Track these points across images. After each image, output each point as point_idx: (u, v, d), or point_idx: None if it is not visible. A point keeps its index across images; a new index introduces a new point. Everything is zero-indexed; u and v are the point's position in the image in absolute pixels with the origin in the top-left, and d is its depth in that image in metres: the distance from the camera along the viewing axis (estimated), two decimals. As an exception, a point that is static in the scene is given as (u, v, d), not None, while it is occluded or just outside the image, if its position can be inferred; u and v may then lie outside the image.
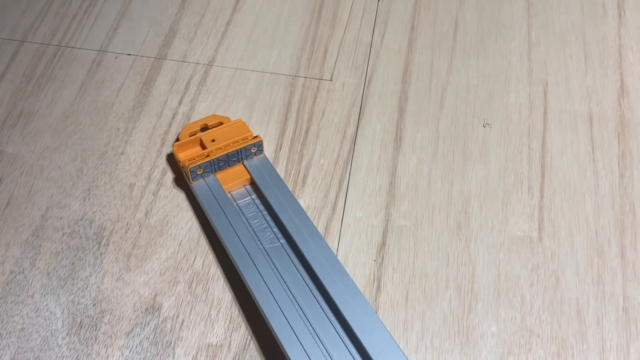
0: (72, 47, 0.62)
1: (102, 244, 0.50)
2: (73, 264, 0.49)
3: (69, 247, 0.50)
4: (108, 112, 0.57)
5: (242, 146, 0.51)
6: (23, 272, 0.49)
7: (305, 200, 0.52)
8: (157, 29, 0.63)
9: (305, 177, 0.53)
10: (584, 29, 0.61)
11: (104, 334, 0.45)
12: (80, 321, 0.46)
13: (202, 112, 0.57)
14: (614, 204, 0.50)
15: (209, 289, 0.47)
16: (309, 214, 0.50)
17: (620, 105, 0.56)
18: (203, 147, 0.52)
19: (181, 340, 0.45)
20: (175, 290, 0.48)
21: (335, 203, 0.51)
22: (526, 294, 0.46)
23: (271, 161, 0.53)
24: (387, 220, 0.51)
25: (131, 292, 0.47)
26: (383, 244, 0.49)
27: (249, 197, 0.50)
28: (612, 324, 0.45)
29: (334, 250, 0.49)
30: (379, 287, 0.47)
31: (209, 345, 0.45)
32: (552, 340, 0.44)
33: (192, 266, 0.49)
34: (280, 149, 0.55)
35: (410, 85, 0.58)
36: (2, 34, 0.63)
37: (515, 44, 0.61)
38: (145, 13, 0.64)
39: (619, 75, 0.58)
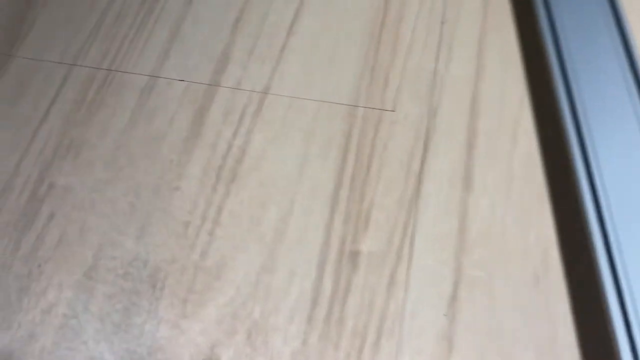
0: (123, 72, 0.60)
1: (157, 287, 0.48)
2: (127, 308, 0.47)
3: (123, 290, 0.48)
4: (161, 143, 0.55)
5: None
6: (76, 316, 0.47)
7: (367, 245, 0.49)
8: (209, 53, 0.61)
9: (367, 219, 0.50)
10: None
11: (160, 388, 0.43)
12: (136, 373, 0.44)
13: (257, 145, 0.55)
14: None
15: (268, 341, 0.45)
16: (372, 261, 0.47)
17: None
18: None
19: (241, 397, 0.43)
20: (233, 341, 0.45)
21: (401, 249, 0.48)
22: (612, 358, 0.43)
23: (330, 199, 0.51)
24: (458, 269, 0.47)
25: (187, 341, 0.45)
26: (454, 297, 0.46)
27: None
28: None
29: (400, 301, 0.46)
30: (450, 347, 0.44)
31: (270, 405, 0.43)
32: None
33: (250, 314, 0.46)
34: (341, 186, 0.52)
35: (479, 117, 0.55)
36: (53, 57, 0.61)
37: (593, 72, 0.56)
38: (197, 36, 0.62)
39: None
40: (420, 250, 0.48)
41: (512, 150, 0.53)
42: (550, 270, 0.47)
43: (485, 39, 0.59)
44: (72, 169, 0.54)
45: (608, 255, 0.42)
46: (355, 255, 0.48)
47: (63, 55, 0.61)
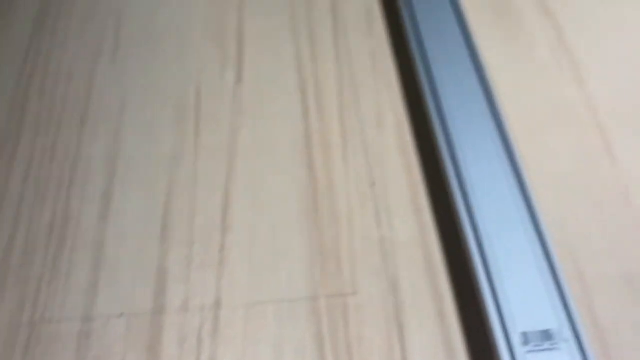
0: (50, 321, 0.53)
1: None
2: None
3: None
4: (117, 402, 0.49)
5: None
6: None
7: None
8: (143, 273, 0.55)
9: None
10: None
11: None
12: None
13: (226, 371, 0.50)
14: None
15: None
16: None
17: None
18: None
19: None
20: None
21: None
22: None
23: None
24: None
25: None
26: None
27: None
28: None
29: None
30: None
31: None
32: None
33: None
34: (330, 399, 0.49)
35: (440, 280, 0.55)
36: (-43, 324, 0.52)
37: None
38: (124, 256, 0.56)
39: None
40: None
41: (479, 306, 0.53)
42: None
43: (416, 193, 0.60)
44: None
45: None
46: None
47: (-30, 317, 0.53)
